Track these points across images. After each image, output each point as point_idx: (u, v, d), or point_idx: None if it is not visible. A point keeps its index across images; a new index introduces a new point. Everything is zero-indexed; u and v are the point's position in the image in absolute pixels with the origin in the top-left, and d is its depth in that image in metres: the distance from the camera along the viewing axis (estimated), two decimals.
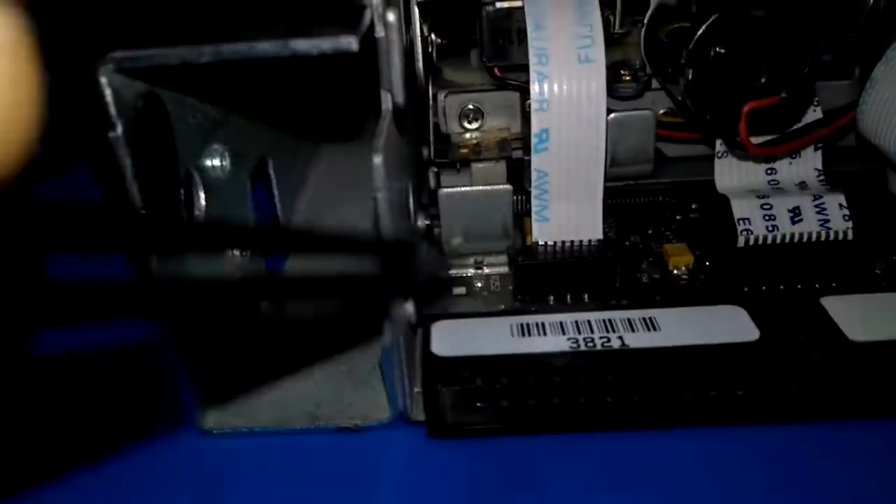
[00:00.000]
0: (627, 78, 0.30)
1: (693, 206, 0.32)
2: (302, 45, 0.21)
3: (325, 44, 0.21)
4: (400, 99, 0.25)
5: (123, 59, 0.20)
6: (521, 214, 0.30)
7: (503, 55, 0.29)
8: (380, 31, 0.23)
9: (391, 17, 0.22)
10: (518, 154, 0.29)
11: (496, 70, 0.29)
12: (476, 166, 0.29)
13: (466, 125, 0.30)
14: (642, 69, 0.30)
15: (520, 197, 0.30)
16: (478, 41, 0.29)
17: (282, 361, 0.27)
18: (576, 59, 0.26)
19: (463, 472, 0.22)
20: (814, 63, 0.26)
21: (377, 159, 0.21)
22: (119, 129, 0.20)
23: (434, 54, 0.31)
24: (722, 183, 0.28)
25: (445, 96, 0.30)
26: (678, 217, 0.31)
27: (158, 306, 0.09)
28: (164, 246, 0.08)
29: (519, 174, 0.29)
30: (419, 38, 0.29)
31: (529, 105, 0.27)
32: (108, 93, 0.20)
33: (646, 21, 0.30)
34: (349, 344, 0.27)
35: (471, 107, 0.30)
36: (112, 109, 0.20)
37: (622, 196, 0.32)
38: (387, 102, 0.24)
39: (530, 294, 0.26)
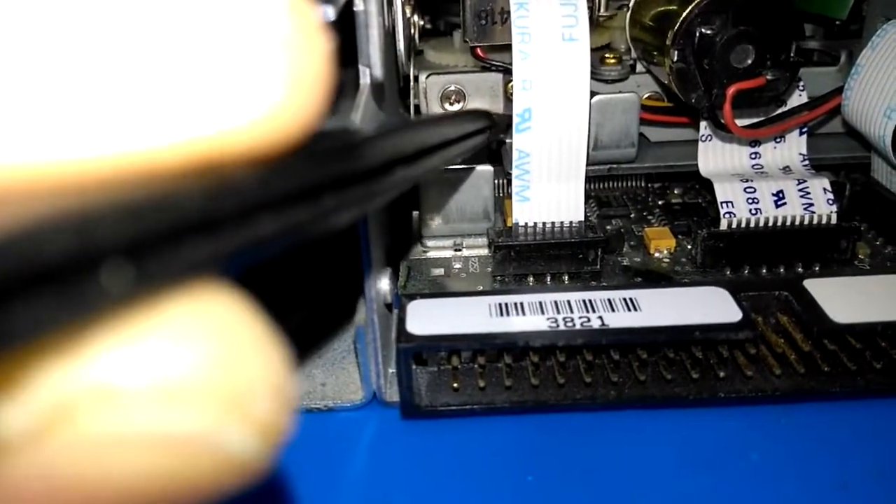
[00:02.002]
0: (612, 61, 0.29)
1: (676, 191, 0.32)
2: None
3: None
4: (378, 74, 0.24)
5: None
6: (502, 198, 0.30)
7: (486, 35, 0.28)
8: (359, 5, 0.23)
9: None
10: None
11: (479, 51, 0.29)
12: None
13: (448, 107, 0.30)
14: (627, 53, 0.30)
15: (500, 181, 0.30)
16: (460, 22, 0.29)
17: None
18: (559, 37, 0.25)
19: (437, 455, 0.22)
20: (799, 46, 0.26)
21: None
22: None
23: (416, 36, 0.31)
24: (706, 167, 0.28)
25: (427, 77, 0.30)
26: (661, 202, 0.31)
27: None
28: None
29: (500, 157, 0.29)
30: (401, 19, 0.28)
31: (512, 87, 0.26)
32: None
33: (631, 4, 0.30)
34: (322, 323, 0.27)
35: (452, 88, 0.30)
36: None
37: (604, 180, 0.32)
38: (365, 77, 0.24)
39: (510, 275, 0.26)
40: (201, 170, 0.08)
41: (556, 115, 0.25)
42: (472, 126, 0.22)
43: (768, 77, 0.26)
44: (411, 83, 0.30)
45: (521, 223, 0.26)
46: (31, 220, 0.07)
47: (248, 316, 0.09)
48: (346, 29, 0.23)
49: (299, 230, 0.10)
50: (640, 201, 0.31)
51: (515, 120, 0.26)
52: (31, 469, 0.07)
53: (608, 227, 0.29)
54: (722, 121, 0.26)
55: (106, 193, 0.07)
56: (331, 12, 0.21)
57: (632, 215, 0.30)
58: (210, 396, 0.08)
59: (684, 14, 0.25)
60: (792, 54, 0.26)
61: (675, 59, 0.26)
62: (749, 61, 0.26)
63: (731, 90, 0.25)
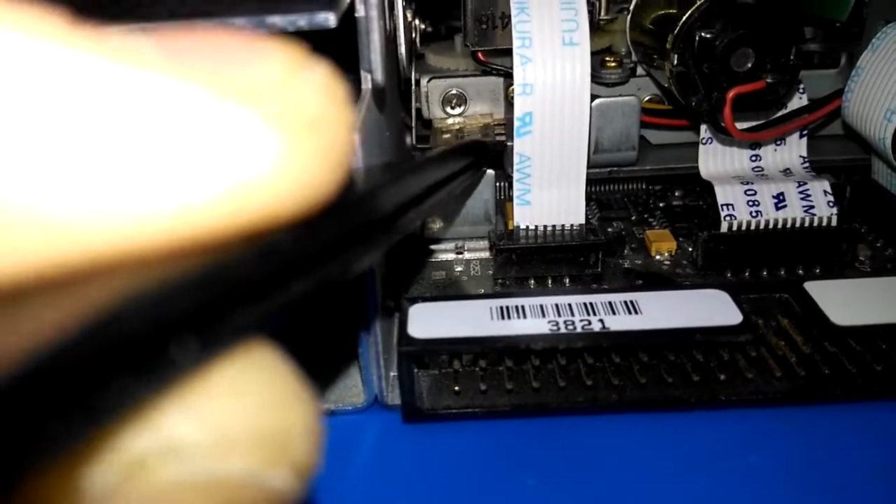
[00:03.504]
0: (613, 64, 0.29)
1: (677, 194, 0.32)
2: (278, 20, 0.20)
3: (301, 20, 0.21)
4: (379, 79, 0.24)
5: None
6: (503, 201, 0.30)
7: (487, 39, 0.29)
8: (360, 10, 0.23)
9: None
10: (501, 140, 0.29)
11: (480, 55, 0.29)
12: None
13: (449, 110, 0.30)
14: (628, 56, 0.30)
15: (502, 183, 0.30)
16: (461, 26, 0.29)
17: None
18: (560, 41, 0.25)
19: (438, 458, 0.22)
20: (799, 49, 0.26)
21: (355, 138, 0.21)
22: None
23: (417, 39, 0.31)
24: (706, 169, 0.28)
25: (428, 81, 0.30)
26: (661, 205, 0.31)
27: None
28: None
29: (502, 160, 0.29)
30: (402, 23, 0.28)
31: (513, 90, 0.26)
32: None
33: (631, 7, 0.30)
34: (324, 326, 0.27)
35: (454, 92, 0.30)
36: None
37: (605, 183, 0.32)
38: (366, 83, 0.24)
39: (511, 278, 0.26)
40: (243, 239, 0.09)
41: (557, 118, 0.26)
42: (471, 158, 0.24)
43: (768, 80, 0.26)
44: (413, 87, 0.30)
45: (523, 226, 0.26)
46: (107, 308, 0.07)
47: (284, 369, 0.10)
48: (347, 34, 0.23)
49: (329, 282, 0.11)
50: (641, 204, 0.31)
51: (516, 124, 0.26)
52: None
53: (609, 230, 0.29)
54: (722, 124, 0.26)
55: (163, 273, 0.08)
56: (332, 19, 0.21)
57: (632, 218, 0.30)
58: (257, 445, 0.09)
59: (684, 17, 0.26)
60: (792, 57, 0.26)
61: (676, 62, 0.26)
62: (749, 65, 0.26)
63: (731, 94, 0.26)
